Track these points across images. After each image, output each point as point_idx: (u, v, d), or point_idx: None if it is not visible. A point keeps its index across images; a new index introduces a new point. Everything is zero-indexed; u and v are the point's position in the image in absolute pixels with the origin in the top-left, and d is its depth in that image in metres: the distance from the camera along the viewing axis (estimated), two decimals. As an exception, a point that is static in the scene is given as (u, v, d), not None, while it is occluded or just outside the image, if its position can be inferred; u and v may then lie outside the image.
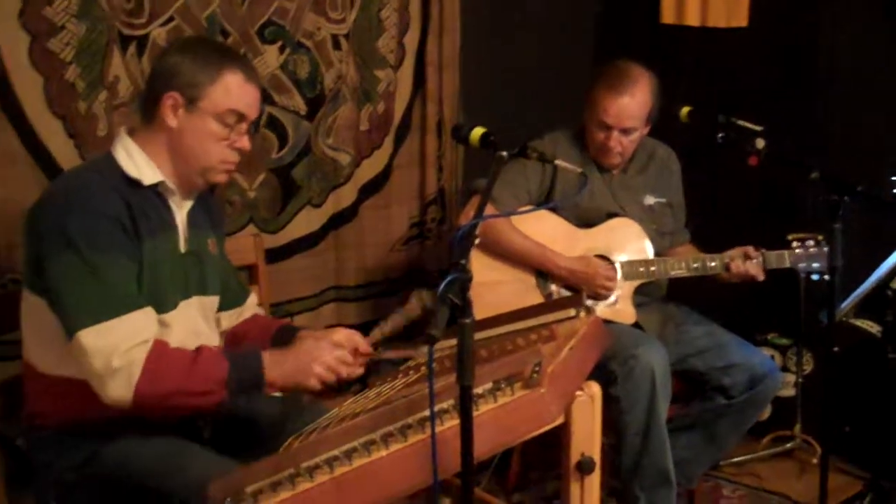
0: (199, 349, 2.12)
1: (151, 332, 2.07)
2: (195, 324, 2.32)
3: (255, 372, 2.12)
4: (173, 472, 2.02)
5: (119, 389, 2.00)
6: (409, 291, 3.65)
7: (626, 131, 3.12)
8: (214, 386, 2.07)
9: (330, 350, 2.20)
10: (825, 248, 3.10)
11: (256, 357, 2.14)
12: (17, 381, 2.28)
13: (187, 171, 2.23)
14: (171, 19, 3.01)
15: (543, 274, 3.16)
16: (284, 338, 2.41)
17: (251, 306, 2.60)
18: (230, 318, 2.54)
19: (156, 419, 2.11)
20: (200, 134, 2.19)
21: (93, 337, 2.00)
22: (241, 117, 2.22)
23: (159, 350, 2.05)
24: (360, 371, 2.30)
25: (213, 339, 2.40)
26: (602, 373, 2.89)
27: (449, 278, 1.62)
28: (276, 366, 2.14)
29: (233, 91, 2.19)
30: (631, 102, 3.09)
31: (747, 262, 3.13)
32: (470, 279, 1.65)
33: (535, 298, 3.14)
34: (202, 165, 2.22)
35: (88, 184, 2.12)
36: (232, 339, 2.50)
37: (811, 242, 3.16)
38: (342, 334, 2.32)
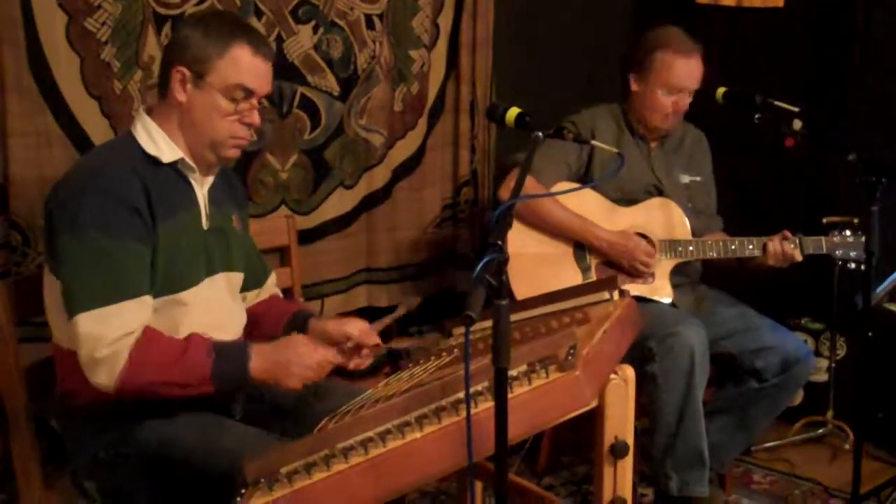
0: (188, 339, 2.12)
1: (140, 323, 2.07)
2: (221, 300, 2.33)
3: (240, 366, 2.11)
4: (209, 448, 2.04)
5: (102, 378, 2.03)
6: (446, 277, 3.67)
7: (692, 92, 3.18)
8: (199, 380, 2.07)
9: (314, 352, 2.18)
10: (862, 238, 3.08)
11: (243, 351, 2.14)
12: (50, 363, 2.30)
13: (198, 146, 2.22)
14: (205, -2, 3.01)
15: (582, 247, 3.16)
16: (297, 324, 2.42)
17: (270, 287, 2.61)
18: (251, 299, 2.55)
19: (178, 399, 2.12)
20: (208, 109, 2.18)
21: (86, 322, 2.02)
22: (249, 92, 2.20)
23: (147, 340, 2.05)
24: (368, 362, 2.31)
25: (241, 315, 2.41)
26: (640, 350, 2.90)
27: (485, 259, 1.60)
28: (261, 361, 2.13)
29: (241, 65, 2.17)
30: (698, 64, 3.16)
31: (784, 243, 3.12)
32: (506, 260, 1.64)
33: (573, 271, 3.14)
34: (211, 140, 2.21)
35: (106, 165, 2.13)
36: (249, 320, 2.48)
37: (848, 232, 3.15)
38: (354, 326, 2.33)
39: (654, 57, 3.15)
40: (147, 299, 2.11)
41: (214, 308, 2.28)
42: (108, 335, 2.01)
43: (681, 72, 3.12)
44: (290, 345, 2.20)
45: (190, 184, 2.25)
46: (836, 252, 3.15)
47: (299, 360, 2.15)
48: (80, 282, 2.04)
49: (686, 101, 3.18)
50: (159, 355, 2.06)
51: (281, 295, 2.67)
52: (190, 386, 2.07)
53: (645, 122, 3.25)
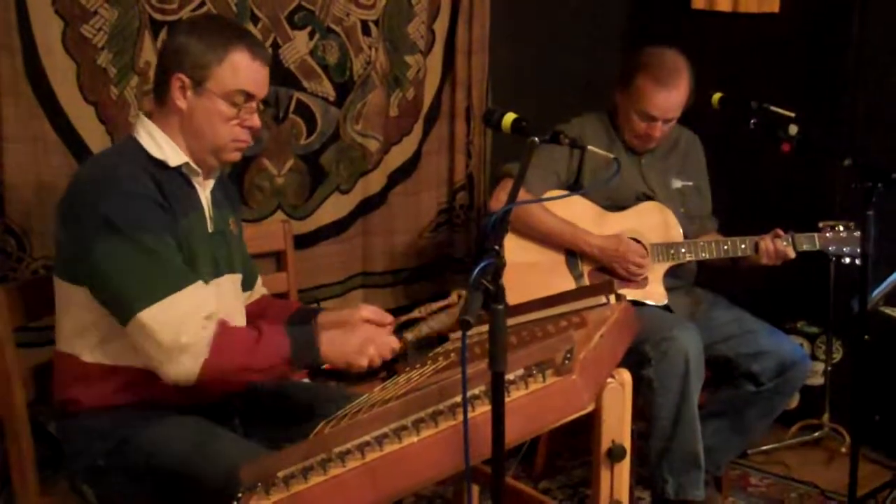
0: (258, 325, 2.15)
1: (213, 307, 2.08)
2: (227, 301, 2.33)
3: (314, 349, 2.14)
4: (205, 460, 2.03)
5: (186, 365, 2.02)
6: (443, 282, 3.66)
7: (668, 121, 3.15)
8: (277, 363, 2.10)
9: (383, 333, 2.23)
10: (856, 233, 3.09)
11: (312, 335, 2.16)
12: (49, 367, 2.29)
13: (200, 151, 2.23)
14: (201, 4, 3.01)
15: (573, 254, 3.17)
16: (303, 320, 2.42)
17: (260, 287, 2.63)
18: (244, 300, 2.54)
19: (189, 402, 2.13)
20: (209, 115, 2.19)
21: (155, 315, 2.00)
22: (249, 96, 2.21)
23: (224, 328, 2.07)
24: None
25: (242, 316, 2.42)
26: (636, 354, 2.89)
27: (483, 263, 1.61)
28: (332, 344, 2.16)
29: (240, 71, 2.18)
30: (678, 95, 3.12)
31: (776, 241, 3.12)
32: (504, 265, 1.64)
33: (565, 279, 3.14)
34: (213, 145, 2.22)
35: (117, 167, 2.13)
36: (247, 319, 2.49)
37: (841, 228, 3.15)
38: (368, 310, 2.35)
39: (636, 77, 3.14)
40: (201, 284, 2.12)
41: (221, 309, 2.28)
42: (188, 320, 2.02)
43: (654, 101, 3.11)
44: (347, 328, 2.24)
45: (194, 187, 2.26)
46: (830, 248, 3.16)
47: (372, 340, 2.19)
48: (132, 281, 2.03)
49: (660, 129, 3.16)
50: (239, 340, 2.08)
51: (269, 294, 2.67)
52: (267, 370, 2.10)
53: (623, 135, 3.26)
